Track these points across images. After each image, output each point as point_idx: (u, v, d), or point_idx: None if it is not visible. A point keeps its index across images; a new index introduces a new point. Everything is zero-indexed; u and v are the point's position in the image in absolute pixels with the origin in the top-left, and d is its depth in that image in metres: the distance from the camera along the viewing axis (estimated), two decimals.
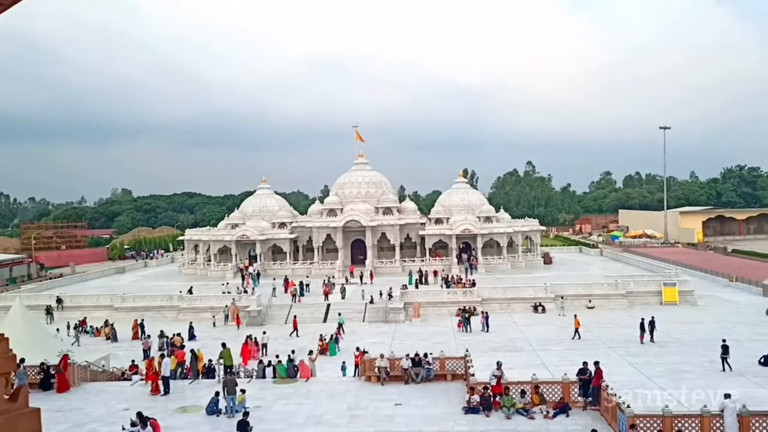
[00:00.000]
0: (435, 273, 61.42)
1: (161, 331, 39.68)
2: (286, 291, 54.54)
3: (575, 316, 40.27)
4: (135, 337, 42.22)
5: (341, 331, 41.26)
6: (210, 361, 29.80)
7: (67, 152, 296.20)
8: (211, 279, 67.88)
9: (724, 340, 31.64)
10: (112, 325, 44.11)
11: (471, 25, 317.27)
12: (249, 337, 36.91)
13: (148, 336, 39.18)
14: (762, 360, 31.09)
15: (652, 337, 36.51)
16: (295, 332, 42.04)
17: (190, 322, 44.17)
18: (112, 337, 42.43)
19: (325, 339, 37.71)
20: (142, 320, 44.68)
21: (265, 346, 36.72)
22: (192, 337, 41.06)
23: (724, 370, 30.22)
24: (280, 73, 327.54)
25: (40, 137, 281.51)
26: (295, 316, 44.39)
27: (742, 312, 46.48)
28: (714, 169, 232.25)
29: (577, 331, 38.35)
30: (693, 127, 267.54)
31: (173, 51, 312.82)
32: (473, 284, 52.36)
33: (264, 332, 39.09)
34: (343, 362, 30.64)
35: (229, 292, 53.20)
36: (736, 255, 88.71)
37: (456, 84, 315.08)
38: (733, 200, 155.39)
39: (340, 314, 44.64)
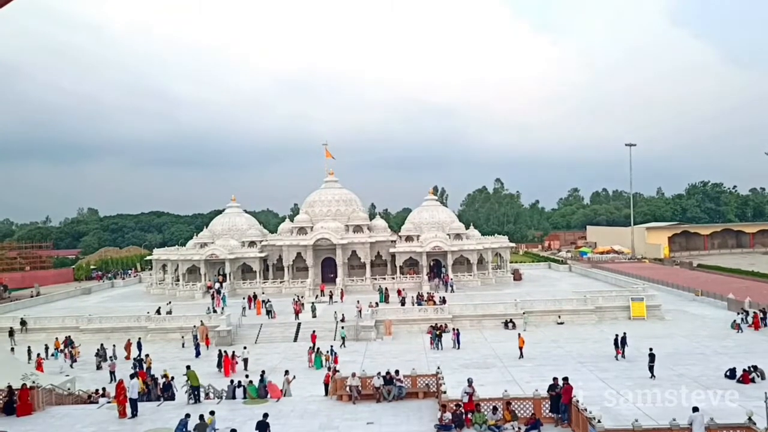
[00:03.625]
0: (398, 292, 60.07)
1: (141, 355, 38.55)
2: (250, 308, 55.24)
3: (519, 335, 39.86)
4: (129, 357, 41.02)
5: (344, 346, 42.40)
6: (164, 377, 29.39)
7: (31, 171, 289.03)
8: (179, 299, 66.69)
9: (651, 349, 33.14)
10: (101, 346, 42.07)
11: (438, 44, 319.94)
12: (225, 353, 37.55)
13: (113, 357, 38.46)
14: (728, 373, 31.55)
15: (623, 353, 36.34)
16: (313, 347, 41.46)
17: (195, 338, 43.55)
18: (102, 356, 40.82)
19: (327, 352, 37.73)
20: (139, 339, 43.68)
21: (246, 361, 37.42)
22: (198, 354, 41.35)
23: (653, 377, 31.66)
24: (249, 90, 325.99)
25: (4, 156, 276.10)
26: (313, 331, 44.20)
27: (709, 326, 46.92)
28: (679, 185, 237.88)
29: (521, 350, 37.95)
30: (658, 144, 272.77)
31: (140, 69, 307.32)
32: (443, 301, 52.11)
33: (244, 347, 39.80)
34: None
35: (170, 312, 52.89)
36: (702, 270, 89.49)
37: (425, 103, 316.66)
38: (697, 216, 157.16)
39: (343, 328, 45.14)
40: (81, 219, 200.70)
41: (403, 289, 61.21)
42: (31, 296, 76.18)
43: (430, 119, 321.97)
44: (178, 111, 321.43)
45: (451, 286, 64.77)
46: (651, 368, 32.32)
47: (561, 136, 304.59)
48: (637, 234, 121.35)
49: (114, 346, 42.58)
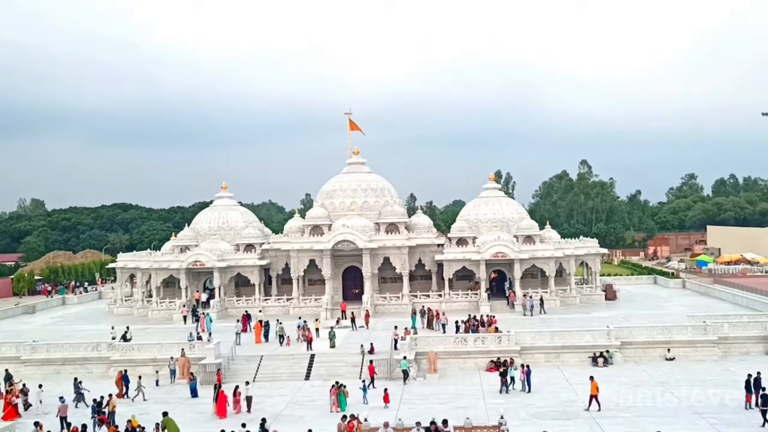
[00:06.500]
0: (436, 315, 58.89)
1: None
2: (245, 331, 56.08)
3: (591, 378, 37.61)
4: (121, 394, 41.13)
5: (406, 381, 43.31)
6: (129, 423, 29.78)
7: None
8: (152, 321, 66.65)
9: (764, 388, 33.31)
10: (76, 381, 41.67)
11: None
12: (219, 387, 38.76)
13: (62, 398, 37.51)
14: None
15: (758, 401, 34.02)
16: (371, 383, 41.84)
17: (173, 374, 45.17)
18: (78, 399, 40.12)
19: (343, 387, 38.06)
20: (126, 371, 43.50)
21: (249, 399, 38.32)
22: (194, 393, 41.86)
23: (764, 425, 32.24)
24: (247, 42, 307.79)
25: None
26: (371, 361, 44.32)
27: None
28: None
29: (594, 399, 36.20)
30: None
31: (100, 13, 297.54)
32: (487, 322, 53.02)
33: (246, 383, 39.99)
34: (309, 431, 29.70)
35: (114, 338, 52.89)
36: None
37: (486, 57, 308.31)
38: None
39: (405, 358, 44.26)
40: (22, 214, 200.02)
41: (443, 313, 59.36)
42: None
43: (492, 80, 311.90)
44: (151, 71, 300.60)
45: (531, 308, 63.59)
46: (764, 413, 32.49)
47: (672, 102, 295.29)
48: None
49: (83, 383, 41.73)
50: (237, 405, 37.87)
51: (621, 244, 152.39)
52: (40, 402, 38.60)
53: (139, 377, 42.51)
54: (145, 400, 40.85)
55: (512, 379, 40.80)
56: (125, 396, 41.34)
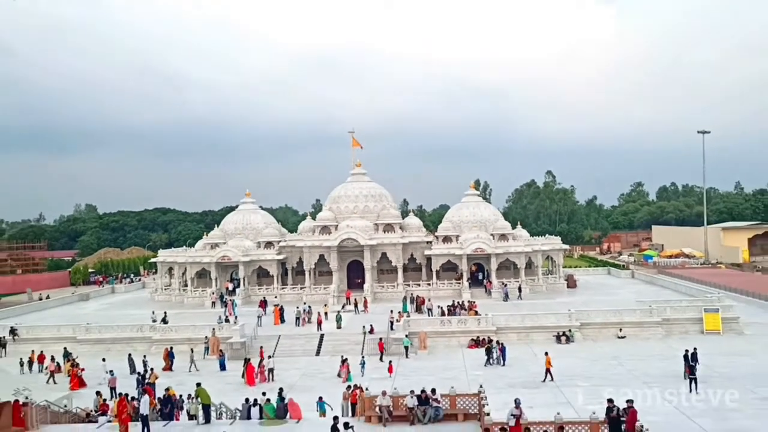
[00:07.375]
0: (421, 301, 60.42)
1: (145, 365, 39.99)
2: (264, 313, 57.19)
3: (546, 353, 38.99)
4: (167, 368, 42.63)
5: (408, 356, 44.78)
6: (164, 397, 29.73)
7: (22, 163, 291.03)
8: (187, 306, 68.71)
9: (693, 360, 34.87)
10: (145, 357, 42.81)
11: (482, 16, 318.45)
12: (249, 360, 40.00)
13: (111, 371, 38.59)
14: None
15: (692, 372, 35.21)
16: (381, 357, 44.00)
17: (206, 351, 46.28)
18: (142, 372, 39.94)
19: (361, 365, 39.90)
20: (172, 348, 45.07)
21: (271, 371, 39.87)
22: (223, 367, 43.11)
23: (691, 391, 33.30)
24: (265, 72, 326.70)
25: None
26: (381, 339, 45.70)
27: None
28: (761, 179, 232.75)
29: (548, 372, 37.48)
30: (737, 131, 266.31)
31: (143, 48, 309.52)
32: (468, 306, 54.83)
33: (269, 356, 41.48)
34: (320, 398, 29.87)
35: (155, 320, 54.73)
36: None
37: (466, 83, 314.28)
38: None
39: (407, 336, 46.28)
40: (78, 216, 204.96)
41: (429, 299, 60.51)
42: (40, 300, 77.92)
43: (471, 103, 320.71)
44: (186, 96, 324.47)
45: (507, 294, 65.20)
46: (692, 381, 33.84)
47: (623, 121, 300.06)
48: (711, 235, 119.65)
49: (147, 359, 42.82)
50: (261, 375, 39.80)
51: (580, 241, 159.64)
52: (107, 373, 38.85)
53: (192, 350, 44.90)
54: (197, 370, 42.52)
55: (489, 351, 42.73)
56: (171, 369, 43.17)
